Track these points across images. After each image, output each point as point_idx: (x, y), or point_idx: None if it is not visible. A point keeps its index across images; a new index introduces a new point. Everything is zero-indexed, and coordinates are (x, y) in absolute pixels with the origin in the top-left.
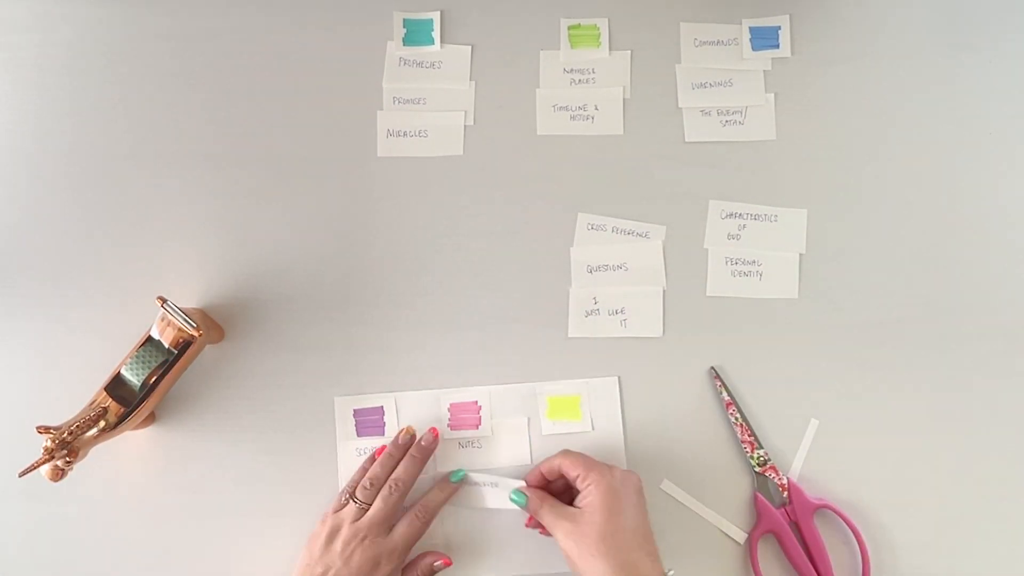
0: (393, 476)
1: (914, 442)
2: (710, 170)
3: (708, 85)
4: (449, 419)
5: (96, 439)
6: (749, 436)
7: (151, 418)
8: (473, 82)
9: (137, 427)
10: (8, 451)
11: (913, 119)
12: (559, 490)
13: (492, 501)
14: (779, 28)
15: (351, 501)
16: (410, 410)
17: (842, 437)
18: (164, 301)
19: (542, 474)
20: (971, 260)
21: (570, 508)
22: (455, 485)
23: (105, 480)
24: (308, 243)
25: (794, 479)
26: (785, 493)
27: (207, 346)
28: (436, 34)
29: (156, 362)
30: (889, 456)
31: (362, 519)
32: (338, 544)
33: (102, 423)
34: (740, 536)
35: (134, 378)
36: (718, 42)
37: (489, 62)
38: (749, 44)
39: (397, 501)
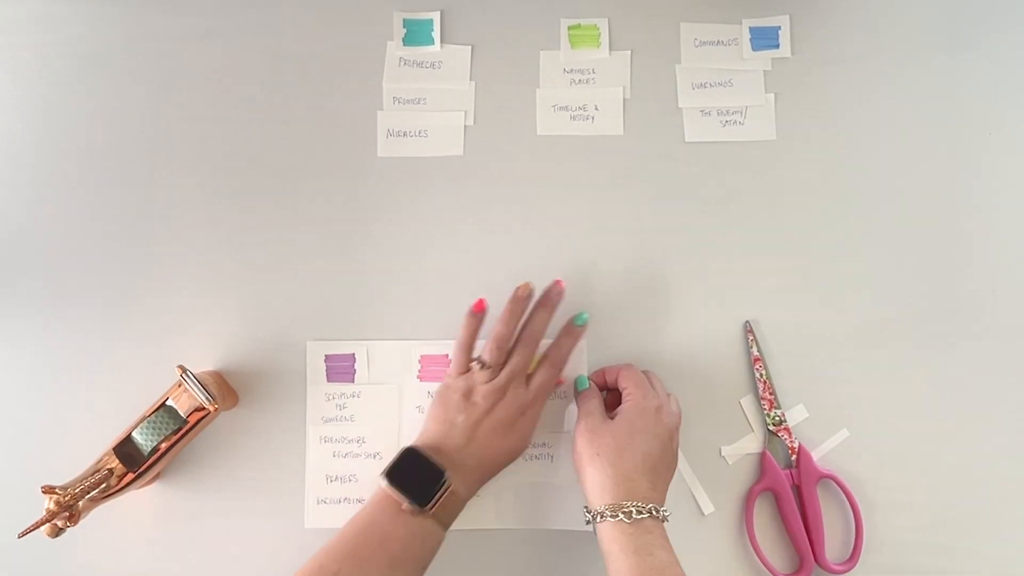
0: (529, 330)
1: (913, 442)
2: (710, 170)
3: (708, 85)
4: (419, 370)
5: (97, 502)
6: (770, 394)
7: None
8: (473, 82)
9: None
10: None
11: (913, 119)
12: (613, 402)
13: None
14: (779, 28)
15: (481, 367)
16: (381, 359)
17: (839, 434)
18: (184, 371)
19: (604, 376)
20: (971, 260)
21: (603, 413)
22: (581, 328)
23: None
24: (307, 242)
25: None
26: (794, 456)
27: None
28: (436, 34)
29: (169, 429)
30: (888, 456)
31: (500, 375)
32: (478, 398)
33: (104, 485)
34: (708, 507)
35: (145, 442)
36: (718, 42)
37: (489, 62)
38: (749, 44)
39: (532, 351)
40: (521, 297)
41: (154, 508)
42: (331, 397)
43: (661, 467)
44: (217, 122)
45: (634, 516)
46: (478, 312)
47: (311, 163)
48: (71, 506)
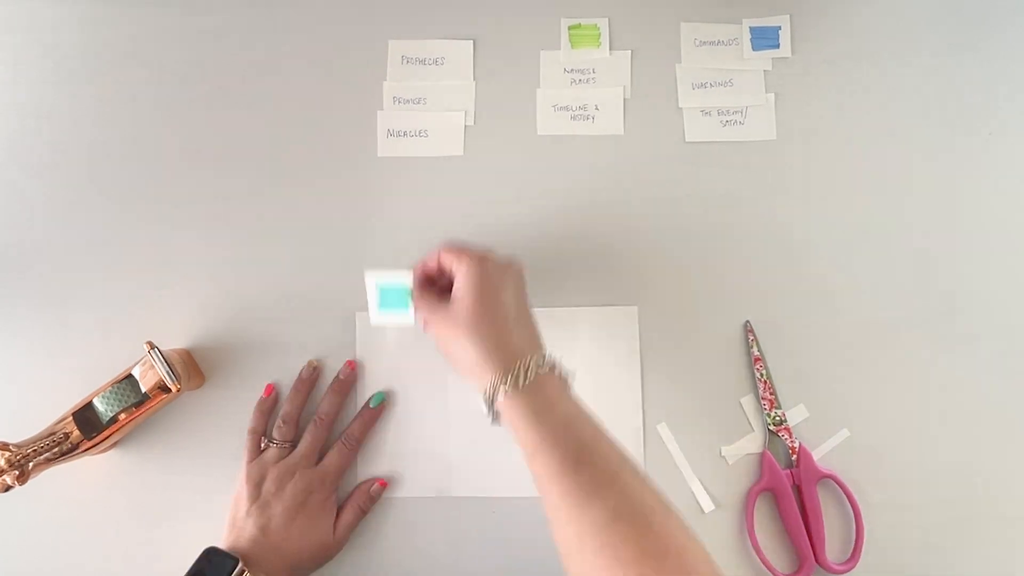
0: (319, 412)
1: (913, 442)
2: (710, 170)
3: (708, 85)
4: None
5: (49, 464)
6: (770, 394)
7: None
8: (474, 82)
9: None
10: None
11: (913, 119)
12: (447, 287)
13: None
14: (779, 28)
15: (270, 444)
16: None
17: (839, 434)
18: (152, 347)
19: (423, 269)
20: (971, 260)
21: (445, 300)
22: (376, 411)
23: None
24: (308, 241)
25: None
26: (794, 456)
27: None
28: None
29: (130, 401)
30: (888, 456)
31: (290, 455)
32: (268, 484)
33: (59, 448)
34: (708, 506)
35: (105, 410)
36: (718, 42)
37: (490, 62)
38: (749, 44)
39: (324, 434)
40: (304, 378)
41: (161, 508)
42: None
43: (528, 319)
44: (217, 121)
45: (522, 382)
46: (266, 397)
47: (311, 162)
48: (22, 465)
